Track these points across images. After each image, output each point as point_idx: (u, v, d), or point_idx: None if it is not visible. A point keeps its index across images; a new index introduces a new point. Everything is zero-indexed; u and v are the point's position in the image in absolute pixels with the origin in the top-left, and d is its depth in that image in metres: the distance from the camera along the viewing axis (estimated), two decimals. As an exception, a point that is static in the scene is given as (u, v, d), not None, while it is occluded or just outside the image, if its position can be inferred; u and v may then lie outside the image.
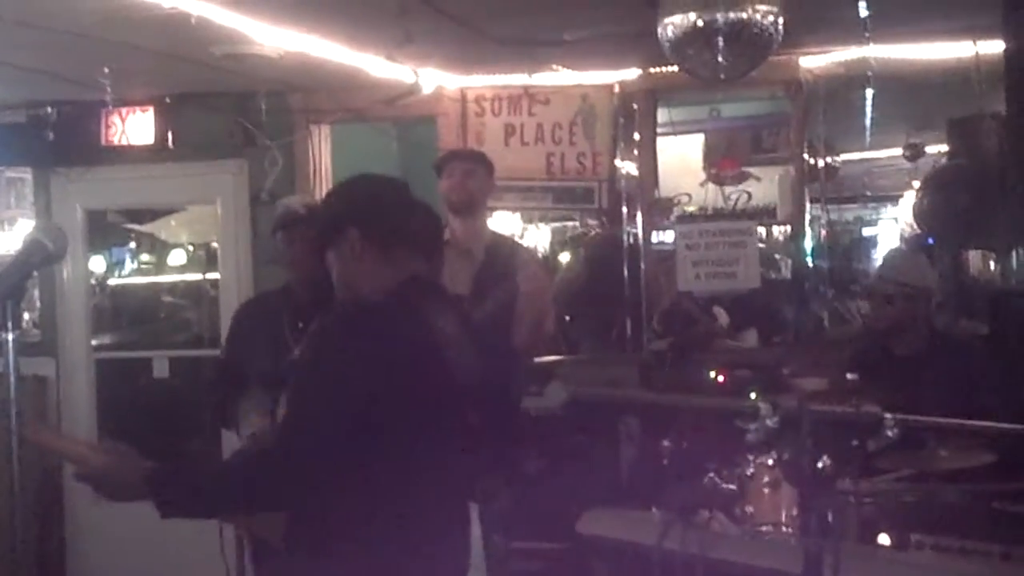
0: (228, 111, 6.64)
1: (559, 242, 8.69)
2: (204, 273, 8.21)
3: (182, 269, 8.78)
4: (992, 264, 7.20)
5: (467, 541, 2.85)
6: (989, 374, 4.55)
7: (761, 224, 6.76)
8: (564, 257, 8.19)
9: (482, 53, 5.82)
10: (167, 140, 6.61)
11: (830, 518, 1.38)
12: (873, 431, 1.40)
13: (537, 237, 8.57)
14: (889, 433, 1.35)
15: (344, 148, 6.92)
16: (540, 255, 5.58)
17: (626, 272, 6.38)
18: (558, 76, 6.42)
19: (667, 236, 6.54)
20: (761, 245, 7.17)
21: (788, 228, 6.74)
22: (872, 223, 9.65)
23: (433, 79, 6.30)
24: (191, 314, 8.51)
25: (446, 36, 5.30)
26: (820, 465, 1.35)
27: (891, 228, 9.71)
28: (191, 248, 8.72)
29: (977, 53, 5.76)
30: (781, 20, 4.14)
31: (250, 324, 4.38)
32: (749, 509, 3.51)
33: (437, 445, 2.62)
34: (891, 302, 4.67)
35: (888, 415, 1.33)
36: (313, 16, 4.83)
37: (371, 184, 2.98)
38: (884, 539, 3.37)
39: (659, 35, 4.19)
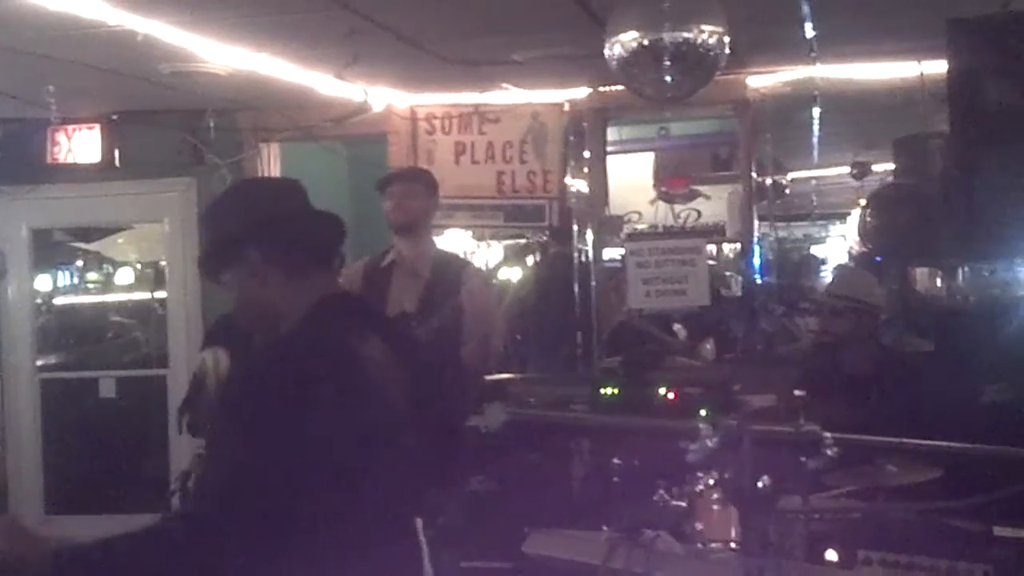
0: (176, 129, 6.59)
1: (509, 259, 8.69)
2: (152, 292, 8.13)
3: (130, 288, 8.69)
4: (939, 281, 7.29)
5: (419, 567, 2.74)
6: (936, 390, 4.58)
7: (710, 242, 6.81)
8: (513, 274, 8.18)
9: (432, 72, 5.82)
10: (114, 158, 6.56)
11: (771, 536, 1.39)
12: (813, 450, 1.41)
13: (488, 255, 8.56)
14: (829, 452, 1.36)
15: (293, 167, 6.89)
16: (489, 273, 5.56)
17: (577, 289, 6.39)
18: (508, 95, 6.44)
19: (619, 253, 6.57)
20: (712, 263, 7.23)
21: (738, 245, 6.79)
22: (821, 240, 9.76)
23: (383, 98, 6.30)
24: (139, 333, 8.41)
25: (395, 56, 5.30)
26: (760, 484, 1.36)
27: (839, 245, 9.82)
28: (139, 267, 8.64)
29: (922, 73, 5.83)
30: (727, 40, 4.17)
31: (226, 338, 4.35)
32: (699, 526, 3.53)
33: (376, 477, 2.44)
34: (839, 318, 4.71)
35: (827, 434, 1.34)
36: (261, 34, 4.80)
37: (263, 192, 2.71)
38: (832, 555, 3.38)
39: (606, 55, 4.21)
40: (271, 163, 6.78)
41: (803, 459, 2.04)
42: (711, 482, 2.79)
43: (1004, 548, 3.39)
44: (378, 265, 4.92)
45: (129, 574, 2.29)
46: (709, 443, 1.46)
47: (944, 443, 3.04)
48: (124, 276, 8.71)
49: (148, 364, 7.40)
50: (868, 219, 6.27)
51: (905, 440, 2.93)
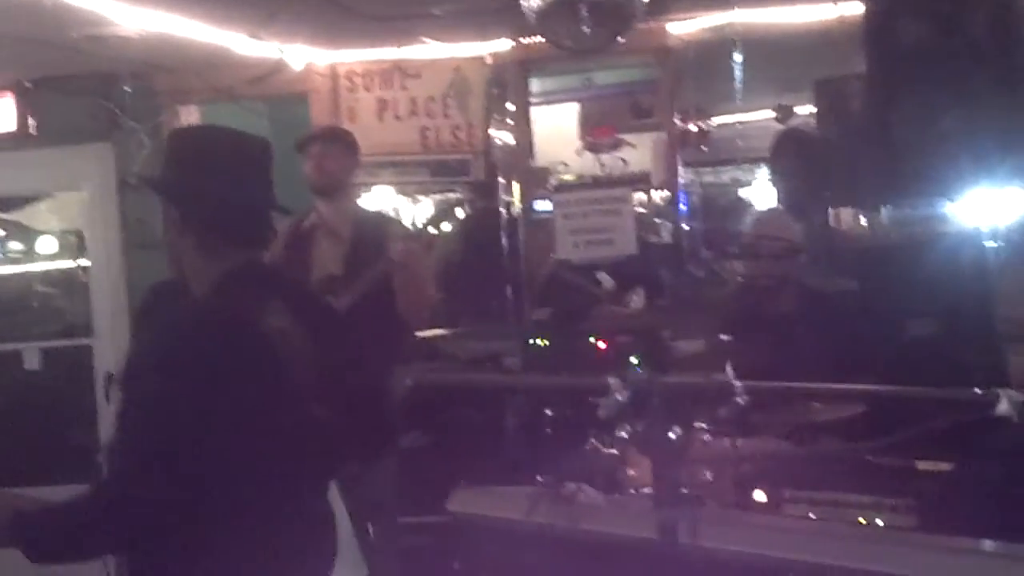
0: (91, 94, 6.46)
1: (437, 214, 8.65)
2: (76, 260, 7.99)
3: (53, 257, 8.52)
4: (862, 220, 7.36)
5: (328, 537, 2.70)
6: (860, 327, 4.65)
7: (636, 190, 6.82)
8: (440, 229, 8.16)
9: (351, 28, 5.75)
10: (28, 126, 6.42)
11: (684, 487, 1.41)
12: (724, 398, 1.43)
13: (417, 211, 8.52)
14: (740, 400, 1.37)
15: (215, 128, 6.79)
16: (416, 229, 5.55)
17: (505, 243, 6.38)
18: (429, 49, 6.38)
19: (549, 205, 6.56)
20: (642, 210, 7.24)
21: (666, 192, 6.81)
22: (747, 184, 9.79)
23: (302, 56, 6.21)
24: (63, 303, 8.26)
25: (313, 12, 5.23)
26: (672, 435, 1.37)
27: (766, 189, 9.87)
28: (61, 235, 8.47)
29: (841, 15, 5.86)
30: (645, -13, 4.17)
31: (161, 306, 4.27)
32: (632, 473, 3.56)
33: (278, 447, 2.43)
34: (760, 260, 4.74)
35: (738, 383, 1.35)
36: (172, -6, 4.72)
37: (200, 148, 2.63)
38: (760, 496, 3.44)
39: (523, 7, 4.19)
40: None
41: (718, 407, 2.06)
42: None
43: (927, 482, 3.46)
44: (298, 229, 4.87)
45: (58, 542, 2.35)
46: (619, 397, 1.46)
47: (854, 386, 3.09)
48: (46, 245, 8.54)
49: (73, 334, 7.29)
50: (779, 162, 6.32)
51: (817, 385, 2.97)
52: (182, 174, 2.58)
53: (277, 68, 6.10)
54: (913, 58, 4.47)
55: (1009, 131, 4.23)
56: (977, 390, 1.75)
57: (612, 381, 1.48)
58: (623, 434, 2.16)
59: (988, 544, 1.71)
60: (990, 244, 4.89)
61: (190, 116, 6.66)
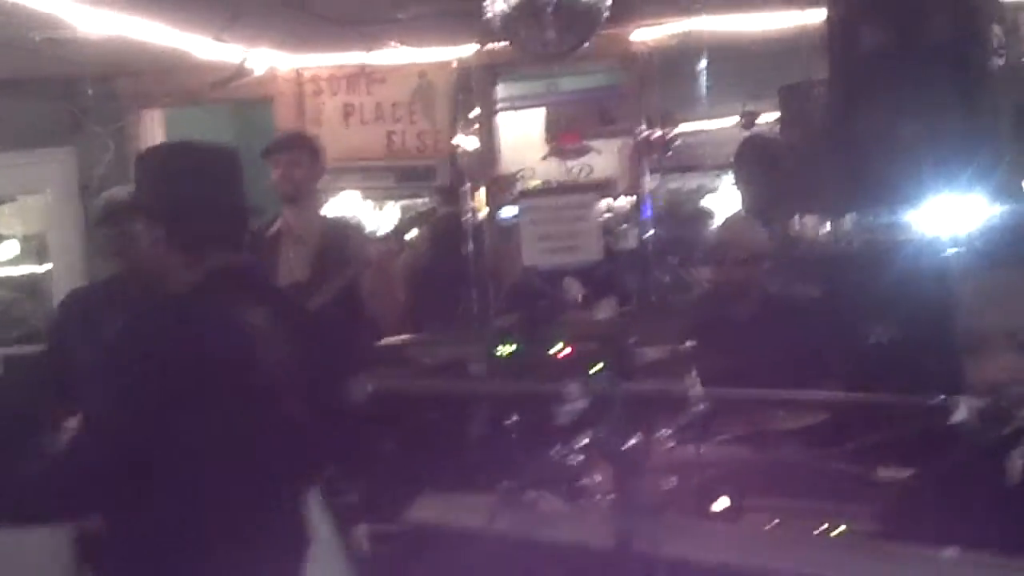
0: (54, 98, 6.41)
1: (404, 220, 8.63)
2: (40, 265, 7.92)
3: (15, 261, 8.45)
4: (826, 227, 7.39)
5: (296, 529, 2.73)
6: (823, 334, 4.66)
7: (602, 196, 6.83)
8: (407, 235, 8.13)
9: (316, 32, 5.73)
10: (-11, 129, 6.35)
11: (643, 496, 1.40)
12: (682, 405, 1.42)
13: (383, 217, 8.50)
14: (700, 407, 1.37)
15: (178, 133, 6.74)
16: (383, 235, 5.53)
17: (470, 249, 6.37)
18: (395, 54, 6.37)
19: (516, 211, 6.56)
20: (609, 215, 7.26)
21: (634, 198, 6.83)
22: (713, 190, 9.83)
23: (266, 60, 6.18)
24: (26, 308, 8.19)
25: (276, 16, 5.20)
26: (632, 442, 1.37)
27: (731, 195, 9.90)
28: (24, 239, 8.39)
29: (804, 22, 5.89)
30: (609, -6, 4.17)
31: (80, 314, 4.21)
32: (598, 479, 3.55)
33: (246, 440, 2.51)
34: (725, 267, 4.76)
35: (698, 390, 1.35)
36: (133, -3, 4.69)
37: (177, 166, 2.73)
38: (722, 503, 3.44)
39: (488, 12, 4.19)
40: (155, 130, 6.63)
41: (679, 413, 2.06)
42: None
43: (888, 488, 3.48)
44: (265, 235, 4.84)
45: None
46: (580, 404, 1.46)
47: (815, 393, 3.11)
48: (8, 249, 8.47)
49: (37, 340, 7.21)
50: (742, 170, 6.34)
51: (776, 392, 2.98)
52: (166, 192, 2.67)
53: (241, 72, 6.06)
54: (874, 65, 4.50)
55: (970, 138, 4.26)
56: (937, 398, 1.75)
57: (572, 388, 1.48)
58: (584, 441, 2.17)
59: (948, 552, 1.72)
60: (951, 251, 4.92)
61: (153, 120, 6.61)
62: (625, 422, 1.50)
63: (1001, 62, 4.48)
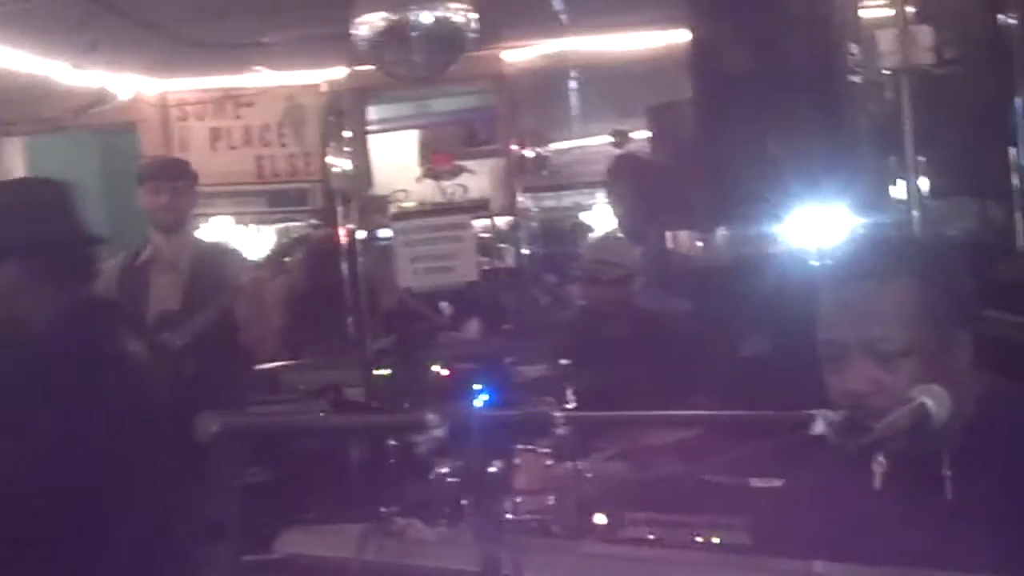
0: (-92, 126, 6.19)
1: (279, 245, 8.52)
2: None
3: None
4: (699, 243, 7.51)
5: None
6: (696, 348, 4.72)
7: (476, 216, 6.83)
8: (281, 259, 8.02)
9: (180, 57, 5.66)
10: None
11: (504, 522, 1.40)
12: (545, 429, 1.42)
13: (259, 241, 8.38)
14: (561, 431, 1.38)
15: (40, 160, 6.58)
16: (256, 259, 5.45)
17: (346, 271, 6.30)
18: (262, 78, 6.30)
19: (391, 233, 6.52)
20: (486, 235, 7.26)
21: (511, 218, 6.86)
22: (588, 208, 9.94)
23: (130, 85, 6.06)
24: None
25: (138, 41, 5.12)
26: (493, 469, 1.36)
27: (606, 212, 10.01)
28: None
29: (670, 42, 5.99)
30: (475, 16, 4.18)
31: None
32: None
33: (126, 475, 2.46)
34: (597, 284, 4.79)
35: (557, 414, 1.35)
36: (-12, 23, 4.55)
37: (28, 202, 2.68)
38: (601, 519, 3.45)
39: (354, 35, 4.17)
40: (15, 157, 6.44)
41: (547, 435, 2.07)
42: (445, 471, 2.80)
43: (760, 499, 3.53)
44: (133, 264, 4.73)
45: None
46: (437, 433, 1.45)
47: (673, 412, 3.15)
48: None
49: None
50: (614, 187, 6.42)
51: (640, 413, 3.00)
52: (12, 229, 2.58)
53: (102, 98, 5.93)
54: (737, 84, 4.59)
55: (831, 152, 4.37)
56: (795, 412, 1.78)
57: (429, 417, 1.46)
58: (443, 470, 2.15)
59: (818, 566, 1.75)
60: (816, 263, 5.04)
61: (14, 147, 6.43)
62: (483, 449, 1.49)
63: (859, 79, 4.61)
